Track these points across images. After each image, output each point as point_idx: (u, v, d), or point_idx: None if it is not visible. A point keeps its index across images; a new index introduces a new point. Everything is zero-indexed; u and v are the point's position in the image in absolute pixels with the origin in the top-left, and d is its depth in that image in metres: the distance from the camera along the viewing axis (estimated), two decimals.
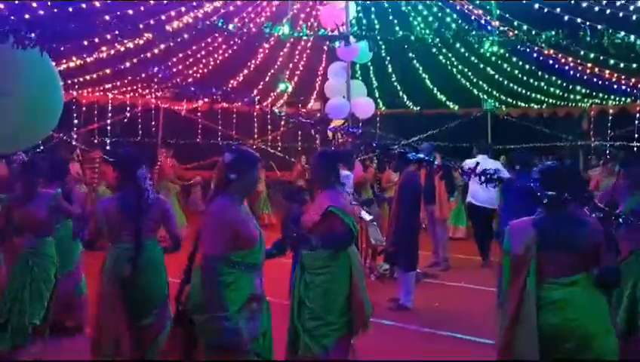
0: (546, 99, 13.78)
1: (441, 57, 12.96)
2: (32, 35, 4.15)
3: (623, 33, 6.81)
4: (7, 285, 4.62)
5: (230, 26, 6.57)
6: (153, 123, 14.24)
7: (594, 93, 13.20)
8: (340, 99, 9.27)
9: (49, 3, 5.44)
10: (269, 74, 13.27)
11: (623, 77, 11.40)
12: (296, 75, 13.23)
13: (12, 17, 4.78)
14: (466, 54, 12.37)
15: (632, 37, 7.01)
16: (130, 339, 3.83)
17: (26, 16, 5.26)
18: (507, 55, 12.18)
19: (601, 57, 11.10)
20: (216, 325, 3.04)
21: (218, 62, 11.93)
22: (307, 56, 12.72)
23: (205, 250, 3.16)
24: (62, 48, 5.16)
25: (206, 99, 13.50)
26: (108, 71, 10.52)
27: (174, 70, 11.50)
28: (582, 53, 11.09)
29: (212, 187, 3.33)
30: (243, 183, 3.29)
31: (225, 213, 3.19)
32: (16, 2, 5.24)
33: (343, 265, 4.03)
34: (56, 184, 5.02)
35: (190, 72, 12.08)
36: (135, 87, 12.82)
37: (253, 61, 12.42)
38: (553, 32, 6.92)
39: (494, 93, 14.03)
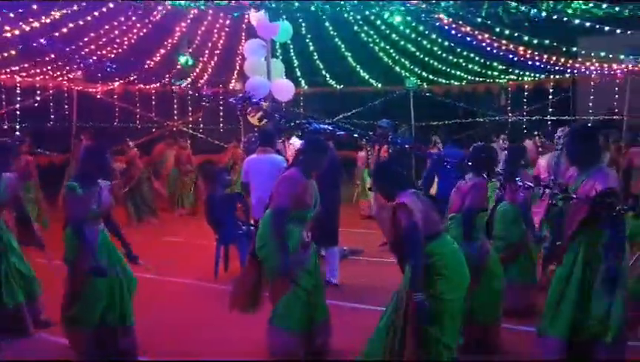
0: (466, 76, 14.06)
1: (362, 35, 12.92)
2: None
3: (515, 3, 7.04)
4: None
5: None
6: (67, 107, 13.47)
7: (510, 70, 13.59)
8: (260, 78, 9.03)
9: None
10: (188, 52, 12.82)
11: (536, 53, 11.77)
12: (215, 54, 12.78)
13: None
14: (387, 31, 12.39)
15: (524, 7, 7.27)
16: None
17: None
18: (427, 32, 12.30)
19: (516, 34, 11.45)
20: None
21: (133, 41, 11.35)
22: (226, 34, 12.29)
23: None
24: None
25: (121, 81, 12.95)
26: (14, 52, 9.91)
27: (86, 50, 10.89)
28: (497, 30, 11.42)
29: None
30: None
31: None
32: None
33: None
34: None
35: (104, 52, 11.44)
36: (45, 69, 12.04)
37: (170, 40, 11.93)
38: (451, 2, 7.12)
39: (416, 70, 14.16)
